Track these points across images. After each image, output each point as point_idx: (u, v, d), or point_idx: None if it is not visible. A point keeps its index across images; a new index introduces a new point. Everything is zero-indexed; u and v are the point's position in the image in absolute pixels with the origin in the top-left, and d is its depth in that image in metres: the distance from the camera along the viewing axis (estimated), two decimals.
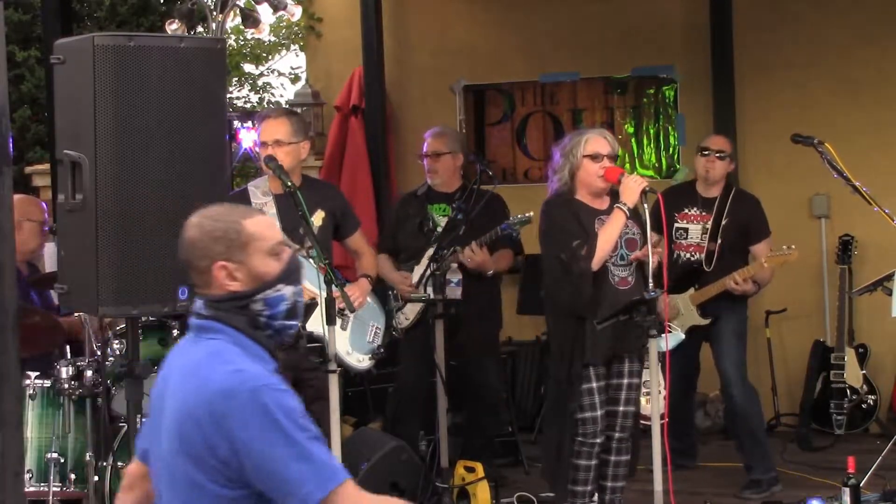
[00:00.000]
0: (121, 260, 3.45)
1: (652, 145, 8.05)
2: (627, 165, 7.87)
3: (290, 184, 5.03)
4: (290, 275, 2.92)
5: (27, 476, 5.10)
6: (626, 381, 5.33)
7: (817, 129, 6.29)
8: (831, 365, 7.23)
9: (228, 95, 11.08)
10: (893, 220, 5.83)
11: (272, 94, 14.56)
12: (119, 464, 5.18)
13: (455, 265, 6.13)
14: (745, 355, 6.40)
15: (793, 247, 6.08)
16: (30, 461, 5.14)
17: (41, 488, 5.15)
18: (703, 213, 6.37)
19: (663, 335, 5.23)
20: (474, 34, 8.21)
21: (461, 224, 6.05)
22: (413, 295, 6.09)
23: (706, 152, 6.34)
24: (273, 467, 2.70)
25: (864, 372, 7.20)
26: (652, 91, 8.02)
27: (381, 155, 8.18)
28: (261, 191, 5.40)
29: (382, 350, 5.62)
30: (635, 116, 8.07)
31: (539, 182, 7.70)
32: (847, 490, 4.97)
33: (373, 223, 7.93)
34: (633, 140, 8.06)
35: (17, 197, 5.81)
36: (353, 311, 5.23)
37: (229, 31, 12.47)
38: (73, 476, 5.20)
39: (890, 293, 5.89)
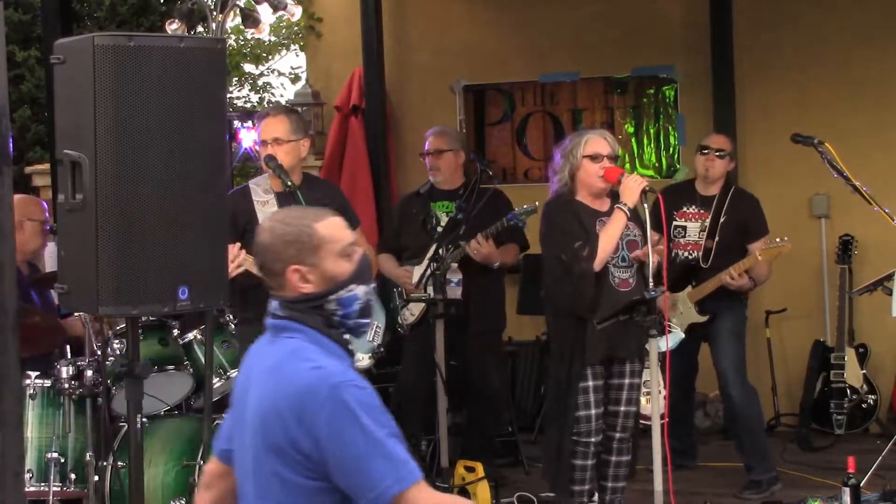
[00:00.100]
0: (121, 260, 3.45)
1: (652, 145, 8.05)
2: (627, 165, 7.87)
3: (290, 183, 5.04)
4: (362, 275, 2.99)
5: (27, 476, 5.10)
6: (626, 381, 5.33)
7: (817, 129, 6.29)
8: (831, 365, 7.23)
9: (228, 95, 11.08)
10: (893, 220, 5.84)
11: (272, 94, 14.55)
12: (119, 464, 5.18)
13: (455, 265, 6.14)
14: (745, 355, 6.40)
15: (786, 238, 6.10)
16: (30, 461, 5.14)
17: (41, 488, 5.15)
18: (702, 211, 6.37)
19: (663, 335, 5.23)
20: (474, 34, 8.21)
21: (461, 224, 6.06)
22: (413, 294, 6.09)
23: (706, 151, 6.35)
24: (352, 462, 2.76)
25: (864, 372, 7.20)
26: (652, 91, 8.02)
27: (381, 155, 8.19)
28: (262, 188, 5.39)
29: (382, 349, 5.62)
30: (635, 116, 8.07)
31: (539, 182, 7.71)
32: (847, 490, 4.97)
33: (373, 223, 7.93)
34: (633, 140, 8.06)
35: (18, 197, 5.84)
36: None
37: (229, 31, 12.47)
38: (73, 476, 5.20)
39: (890, 293, 5.89)
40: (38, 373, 5.26)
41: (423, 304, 6.10)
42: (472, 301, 6.19)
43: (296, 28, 13.24)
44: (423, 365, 6.11)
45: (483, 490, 5.90)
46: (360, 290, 2.98)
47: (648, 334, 5.01)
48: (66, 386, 5.18)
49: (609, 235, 5.18)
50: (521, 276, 7.47)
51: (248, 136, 6.59)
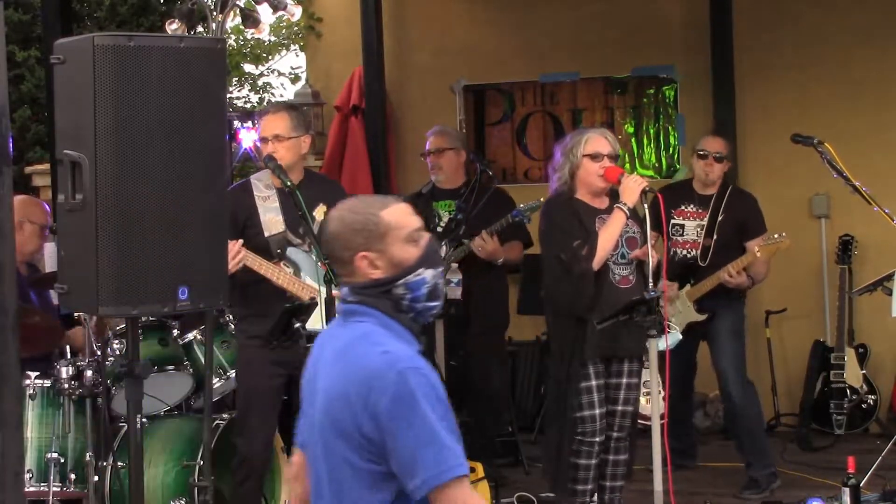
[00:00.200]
0: (121, 260, 3.45)
1: (652, 145, 8.05)
2: (627, 165, 7.87)
3: (289, 183, 5.03)
4: (430, 258, 3.03)
5: (27, 476, 5.10)
6: (624, 380, 5.33)
7: (817, 129, 6.30)
8: (831, 365, 7.23)
9: (228, 95, 11.08)
10: (893, 220, 5.84)
11: (272, 94, 14.55)
12: (119, 464, 5.18)
13: (455, 265, 6.15)
14: (744, 353, 6.40)
15: (784, 234, 6.11)
16: (30, 461, 5.14)
17: (41, 488, 5.15)
18: (700, 210, 6.38)
19: (663, 335, 5.23)
20: (474, 34, 8.21)
21: (461, 224, 6.06)
22: None
23: (704, 155, 6.34)
24: (403, 447, 2.80)
25: (864, 372, 7.21)
26: (652, 91, 8.02)
27: (381, 155, 8.18)
28: (263, 184, 5.38)
29: None
30: (635, 116, 8.07)
31: (539, 182, 7.72)
32: (847, 490, 4.97)
33: None
34: (633, 140, 8.06)
35: (20, 198, 5.85)
36: None
37: (229, 31, 12.47)
38: (73, 476, 5.20)
39: (890, 293, 5.89)
40: (38, 373, 5.27)
41: None
42: (473, 300, 6.20)
43: (296, 28, 13.24)
44: None
45: (483, 490, 5.90)
46: (427, 274, 3.02)
47: (648, 334, 5.01)
48: (66, 386, 5.18)
49: (608, 234, 5.19)
50: (522, 275, 7.48)
51: (248, 136, 6.59)
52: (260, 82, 14.71)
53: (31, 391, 5.22)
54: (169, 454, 5.32)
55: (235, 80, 14.17)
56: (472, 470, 5.86)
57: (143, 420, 4.65)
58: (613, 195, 5.30)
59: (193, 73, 3.56)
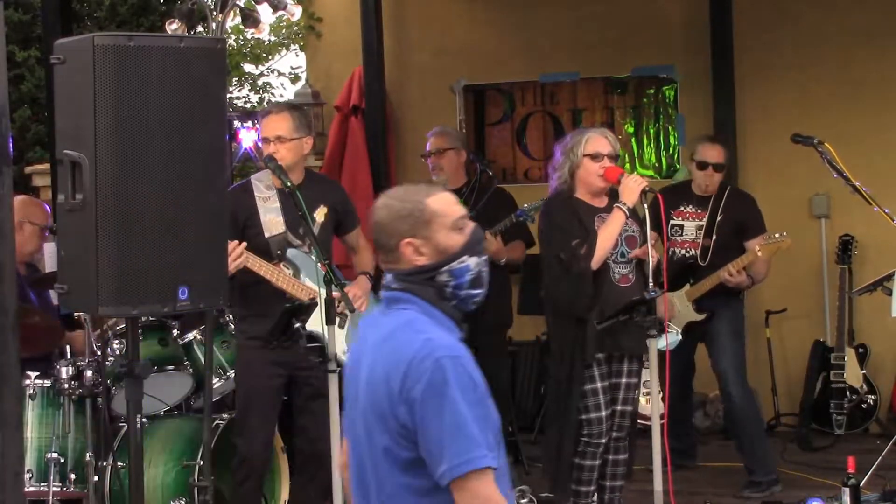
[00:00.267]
0: (121, 260, 3.45)
1: (652, 145, 8.05)
2: (627, 165, 7.87)
3: (289, 184, 5.02)
4: (474, 246, 3.07)
5: (27, 476, 5.10)
6: (624, 380, 5.33)
7: (817, 129, 6.30)
8: (831, 365, 7.23)
9: (228, 95, 11.08)
10: (893, 220, 5.84)
11: (272, 94, 14.56)
12: (119, 464, 5.18)
13: None
14: (744, 354, 6.41)
15: (784, 234, 6.11)
16: (30, 461, 5.14)
17: (41, 488, 5.15)
18: (699, 211, 6.39)
19: (663, 335, 5.23)
20: (474, 34, 8.21)
21: None
22: None
23: (703, 165, 6.32)
24: (431, 435, 2.83)
25: (864, 372, 7.21)
26: (652, 91, 8.02)
27: (381, 155, 8.19)
28: (264, 184, 5.38)
29: None
30: (635, 116, 8.07)
31: (539, 182, 7.72)
32: (847, 490, 4.97)
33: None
34: (633, 140, 8.06)
35: (21, 198, 5.85)
36: (353, 311, 5.23)
37: (229, 31, 12.47)
38: (73, 476, 5.20)
39: (890, 293, 5.89)
40: (38, 373, 5.27)
41: None
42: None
43: (296, 28, 13.24)
44: None
45: None
46: (471, 262, 3.06)
47: (648, 334, 5.01)
48: (66, 386, 5.18)
49: (608, 234, 5.19)
50: (522, 275, 7.48)
51: (248, 136, 6.59)
52: (260, 82, 14.71)
53: (31, 391, 5.22)
54: (169, 454, 5.32)
55: (235, 80, 14.17)
56: None
57: (143, 420, 4.66)
58: (613, 195, 5.31)
59: (193, 73, 3.56)
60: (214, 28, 5.17)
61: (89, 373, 5.17)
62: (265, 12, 5.77)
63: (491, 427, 2.89)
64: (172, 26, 5.46)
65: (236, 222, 5.14)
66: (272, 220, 5.30)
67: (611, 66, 8.00)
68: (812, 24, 7.57)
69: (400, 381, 2.87)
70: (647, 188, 5.12)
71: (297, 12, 6.02)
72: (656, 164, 8.04)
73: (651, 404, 5.46)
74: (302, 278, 5.29)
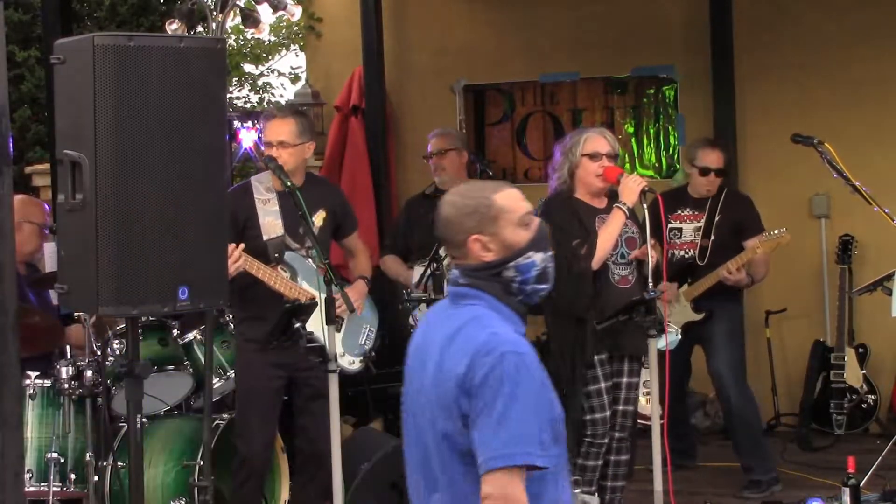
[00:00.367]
0: (121, 260, 3.45)
1: (652, 145, 8.06)
2: (627, 165, 7.87)
3: (289, 184, 5.03)
4: (540, 242, 3.12)
5: (27, 476, 5.10)
6: (625, 380, 5.33)
7: (817, 129, 6.30)
8: (831, 365, 7.23)
9: (228, 95, 11.08)
10: (893, 220, 5.84)
11: (272, 94, 14.56)
12: (119, 464, 5.18)
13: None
14: (741, 355, 6.41)
15: (784, 229, 6.11)
16: (30, 461, 5.14)
17: (41, 488, 5.15)
18: (696, 213, 6.40)
19: (662, 335, 5.23)
20: (474, 34, 8.21)
21: None
22: (413, 294, 6.10)
23: (705, 171, 6.32)
24: (479, 424, 2.88)
25: (864, 372, 7.21)
26: (652, 91, 8.02)
27: (381, 155, 8.19)
28: (264, 186, 5.38)
29: (374, 353, 5.61)
30: (635, 116, 8.07)
31: (539, 182, 7.71)
32: (847, 490, 4.97)
33: (373, 223, 7.94)
34: (633, 140, 8.06)
35: (19, 198, 5.84)
36: (353, 310, 5.23)
37: (229, 31, 12.47)
38: (73, 476, 5.20)
39: (890, 293, 5.89)
40: (38, 373, 5.26)
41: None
42: None
43: (296, 28, 13.25)
44: None
45: None
46: (537, 257, 3.11)
47: (648, 334, 5.01)
48: (66, 386, 5.18)
49: (608, 234, 5.19)
50: None
51: (248, 136, 6.60)
52: (260, 82, 14.72)
53: (31, 391, 5.22)
54: (169, 454, 5.32)
55: (235, 80, 14.18)
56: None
57: (143, 420, 4.66)
58: (613, 196, 5.30)
59: (193, 73, 3.56)
60: (214, 28, 5.17)
61: (89, 373, 5.17)
62: (265, 12, 5.77)
63: (548, 426, 2.92)
64: (172, 26, 5.46)
65: (236, 223, 5.15)
66: (271, 223, 5.31)
67: (611, 66, 8.00)
68: (812, 24, 7.57)
69: (464, 373, 2.92)
70: (646, 188, 5.12)
71: (297, 12, 6.02)
72: (656, 164, 8.04)
73: (651, 404, 5.46)
74: (299, 281, 5.30)
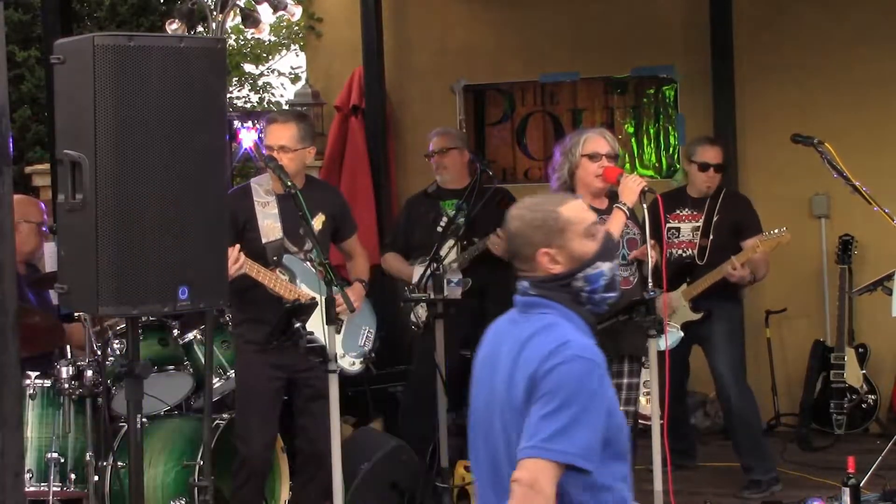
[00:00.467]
0: (121, 260, 3.45)
1: (652, 145, 8.05)
2: (627, 165, 7.87)
3: (290, 184, 5.03)
4: (606, 252, 3.21)
5: (27, 476, 5.10)
6: (625, 381, 5.33)
7: (817, 129, 6.29)
8: (831, 365, 7.23)
9: (228, 95, 11.09)
10: (893, 220, 5.84)
11: (272, 94, 14.57)
12: (119, 464, 5.18)
13: (455, 265, 6.17)
14: (741, 355, 6.41)
15: (784, 229, 6.11)
16: (30, 461, 5.14)
17: (41, 488, 5.15)
18: (695, 213, 6.40)
19: (663, 335, 5.23)
20: (474, 34, 8.21)
21: (461, 225, 6.09)
22: (414, 295, 6.10)
23: (705, 167, 6.32)
24: (532, 412, 2.95)
25: (864, 372, 7.21)
26: (652, 91, 8.02)
27: (381, 155, 8.19)
28: (263, 189, 5.39)
29: (373, 354, 5.62)
30: (635, 116, 8.07)
31: (539, 182, 7.72)
32: (847, 490, 4.97)
33: (373, 223, 7.94)
34: (633, 140, 8.06)
35: (15, 197, 5.83)
36: (353, 310, 5.23)
37: (229, 31, 12.47)
38: (73, 476, 5.20)
39: (890, 293, 5.89)
40: (38, 373, 5.26)
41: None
42: (490, 293, 6.24)
43: (296, 28, 13.25)
44: (435, 362, 6.10)
45: None
46: (605, 267, 3.18)
47: (648, 334, 5.01)
48: (66, 386, 5.18)
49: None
50: None
51: (248, 136, 6.59)
52: (260, 82, 14.72)
53: (31, 391, 5.22)
54: (169, 454, 5.32)
55: (235, 80, 14.18)
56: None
57: (143, 420, 4.66)
58: (613, 196, 5.30)
59: (193, 73, 3.56)
60: (214, 28, 5.17)
61: (89, 373, 5.16)
62: (265, 12, 5.77)
63: (600, 436, 2.96)
64: (172, 26, 5.46)
65: (235, 225, 5.15)
66: (270, 226, 5.31)
67: (611, 66, 8.00)
68: (812, 24, 7.57)
69: (534, 370, 2.99)
70: (646, 188, 5.12)
71: (297, 12, 6.02)
72: (656, 164, 8.04)
73: (651, 404, 5.46)
74: (298, 284, 5.30)
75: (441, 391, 5.83)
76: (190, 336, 5.69)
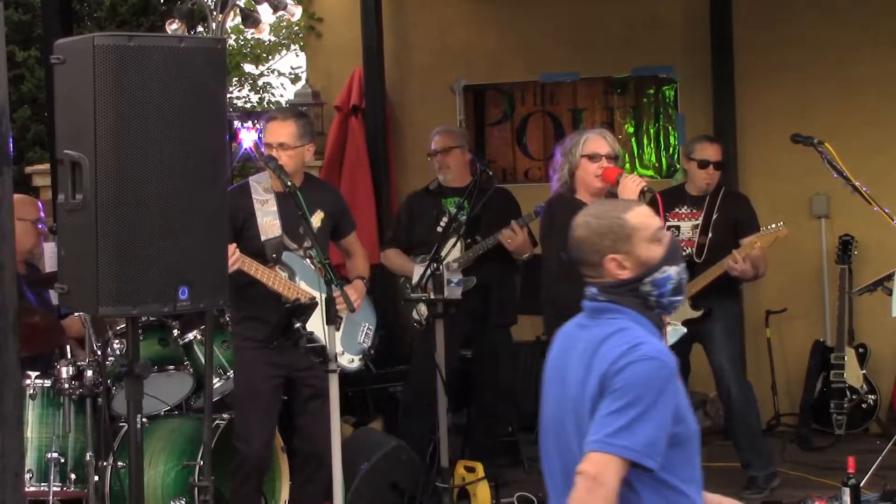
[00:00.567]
0: (121, 260, 3.44)
1: (652, 145, 8.06)
2: (627, 165, 7.87)
3: (290, 184, 5.03)
4: (673, 256, 3.24)
5: (27, 476, 5.10)
6: None
7: (817, 129, 6.30)
8: (831, 365, 7.23)
9: (228, 95, 11.09)
10: (893, 220, 5.84)
11: (272, 94, 14.58)
12: (119, 464, 5.18)
13: (457, 264, 6.17)
14: (739, 352, 6.40)
15: (781, 223, 6.11)
16: (30, 461, 5.14)
17: (41, 488, 5.15)
18: (694, 211, 6.40)
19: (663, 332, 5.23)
20: (474, 34, 8.21)
21: (463, 223, 6.09)
22: (414, 294, 6.10)
23: (704, 164, 6.32)
24: (602, 406, 3.01)
25: (864, 372, 7.21)
26: (652, 91, 8.02)
27: (381, 155, 8.19)
28: (262, 187, 5.39)
29: (373, 352, 5.62)
30: (635, 116, 8.07)
31: (539, 182, 7.72)
32: (847, 490, 4.97)
33: (373, 223, 7.95)
34: (633, 140, 8.06)
35: None
36: (353, 310, 5.23)
37: (229, 31, 12.48)
38: (73, 476, 5.20)
39: (890, 293, 5.89)
40: (38, 373, 5.26)
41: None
42: (493, 293, 6.23)
43: (296, 28, 13.26)
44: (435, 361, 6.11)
45: (483, 490, 5.90)
46: (672, 271, 3.21)
47: None
48: (66, 386, 5.18)
49: None
50: (522, 275, 7.47)
51: (248, 136, 6.58)
52: (260, 82, 14.74)
53: (31, 391, 5.22)
54: (169, 454, 5.32)
55: (235, 80, 14.20)
56: (472, 470, 5.87)
57: (144, 420, 4.65)
58: (613, 197, 5.29)
59: (193, 73, 3.56)
60: (214, 28, 5.17)
61: (89, 373, 5.16)
62: (265, 12, 5.77)
63: (665, 436, 3.02)
64: (172, 26, 5.46)
65: (233, 223, 5.14)
66: (269, 223, 5.31)
67: (611, 66, 8.00)
68: (812, 24, 7.57)
69: (606, 368, 3.04)
70: (645, 188, 5.12)
71: (297, 12, 6.02)
72: (656, 164, 8.04)
73: None
74: (297, 281, 5.30)
75: (441, 391, 5.83)
76: (190, 336, 5.69)
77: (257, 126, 5.55)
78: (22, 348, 3.28)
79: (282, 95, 14.38)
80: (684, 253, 6.36)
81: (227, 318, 5.66)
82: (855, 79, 7.48)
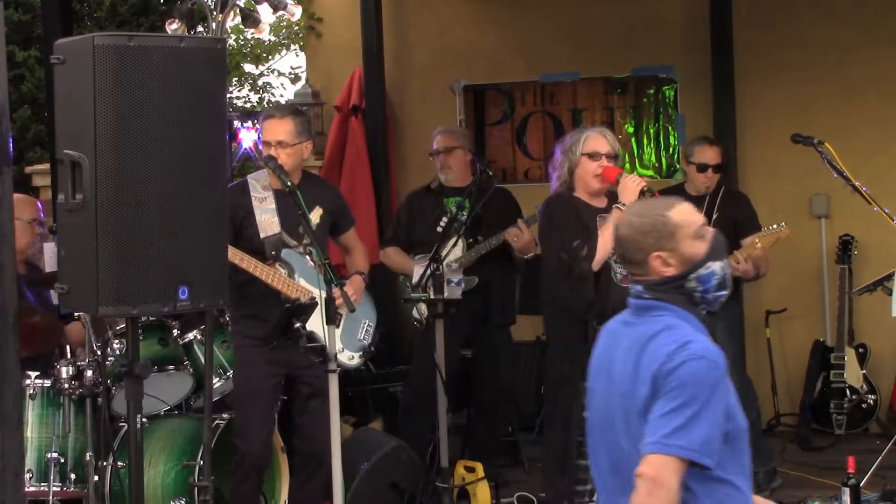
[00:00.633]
0: (121, 260, 3.44)
1: (652, 145, 8.05)
2: (627, 165, 7.87)
3: (289, 184, 5.03)
4: (716, 251, 3.26)
5: (27, 476, 5.10)
6: None
7: (817, 129, 6.29)
8: (831, 365, 7.23)
9: (228, 95, 11.09)
10: (893, 220, 5.84)
11: (272, 94, 14.58)
12: (119, 464, 5.18)
13: (457, 265, 6.17)
14: (740, 351, 6.39)
15: (783, 224, 6.10)
16: (30, 461, 5.14)
17: (41, 488, 5.15)
18: None
19: None
20: (474, 34, 8.21)
21: (462, 225, 6.09)
22: (413, 294, 6.10)
23: (703, 167, 6.31)
24: (656, 408, 3.04)
25: (864, 372, 7.21)
26: (652, 91, 8.02)
27: (381, 155, 8.19)
28: (261, 185, 5.39)
29: (373, 348, 5.62)
30: (635, 116, 8.07)
31: (539, 182, 7.72)
32: (847, 490, 4.97)
33: (373, 223, 7.95)
34: (633, 140, 8.06)
35: None
36: (352, 310, 5.23)
37: (229, 30, 12.48)
38: (73, 476, 5.20)
39: (890, 293, 5.89)
40: (38, 373, 5.26)
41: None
42: (494, 293, 6.23)
43: (296, 28, 13.26)
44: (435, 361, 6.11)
45: (483, 490, 5.90)
46: (716, 266, 3.24)
47: None
48: (66, 386, 5.18)
49: (607, 236, 5.18)
50: (522, 275, 7.47)
51: (248, 136, 6.58)
52: (260, 82, 14.74)
53: (31, 391, 5.22)
54: (169, 454, 5.32)
55: (235, 80, 14.20)
56: (472, 470, 5.87)
57: (143, 420, 4.66)
58: (613, 197, 5.30)
59: (193, 73, 3.56)
60: (214, 28, 5.17)
61: (89, 373, 5.16)
62: (265, 12, 5.77)
63: (718, 433, 3.04)
64: (172, 26, 5.46)
65: (233, 221, 5.14)
66: (268, 221, 5.31)
67: (611, 66, 8.00)
68: (812, 24, 7.57)
69: (658, 366, 3.07)
70: (645, 188, 5.12)
71: (297, 12, 6.02)
72: (656, 164, 8.04)
73: None
74: (296, 278, 5.30)
75: (441, 391, 5.83)
76: (190, 336, 5.69)
77: (257, 126, 5.56)
78: (22, 348, 3.28)
79: (282, 95, 14.39)
80: None
81: (227, 318, 5.66)
82: (855, 79, 7.48)
